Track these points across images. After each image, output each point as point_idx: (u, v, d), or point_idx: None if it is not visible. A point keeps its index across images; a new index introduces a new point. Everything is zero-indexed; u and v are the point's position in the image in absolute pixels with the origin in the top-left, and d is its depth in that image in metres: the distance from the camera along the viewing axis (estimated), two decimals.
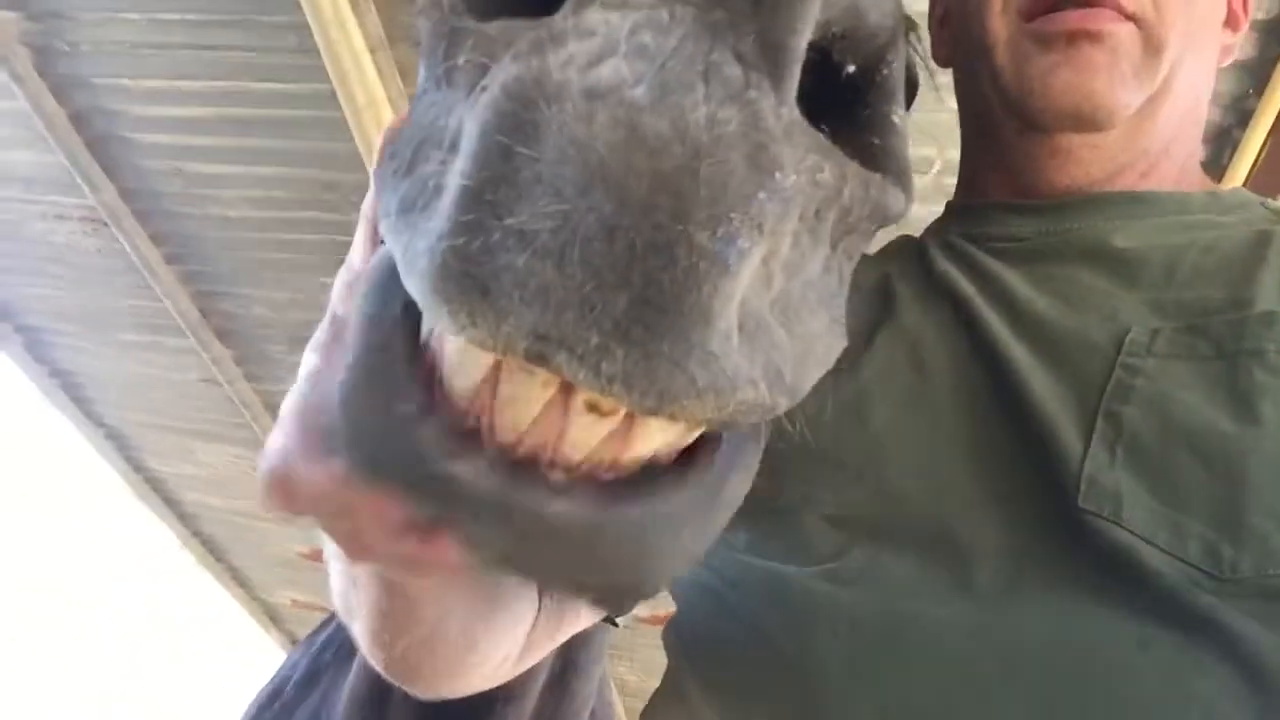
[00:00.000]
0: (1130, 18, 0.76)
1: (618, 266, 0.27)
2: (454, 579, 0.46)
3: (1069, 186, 0.81)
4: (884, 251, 0.92)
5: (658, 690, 0.80)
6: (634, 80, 0.27)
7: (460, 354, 0.32)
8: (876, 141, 0.36)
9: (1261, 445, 0.60)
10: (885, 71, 0.35)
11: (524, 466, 0.32)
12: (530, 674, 0.74)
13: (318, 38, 2.41)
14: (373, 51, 2.49)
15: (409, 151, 0.34)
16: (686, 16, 0.28)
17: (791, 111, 0.29)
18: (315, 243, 3.38)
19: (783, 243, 0.30)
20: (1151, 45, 0.76)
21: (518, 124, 0.28)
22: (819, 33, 0.31)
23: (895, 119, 0.36)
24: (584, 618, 0.53)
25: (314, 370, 0.39)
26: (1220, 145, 2.25)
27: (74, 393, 4.58)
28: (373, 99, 2.55)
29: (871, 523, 0.70)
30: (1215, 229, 0.76)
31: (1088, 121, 0.77)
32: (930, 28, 0.95)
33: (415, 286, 0.30)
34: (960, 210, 0.89)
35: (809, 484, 0.71)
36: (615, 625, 0.72)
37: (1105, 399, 0.66)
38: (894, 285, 0.83)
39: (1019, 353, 0.70)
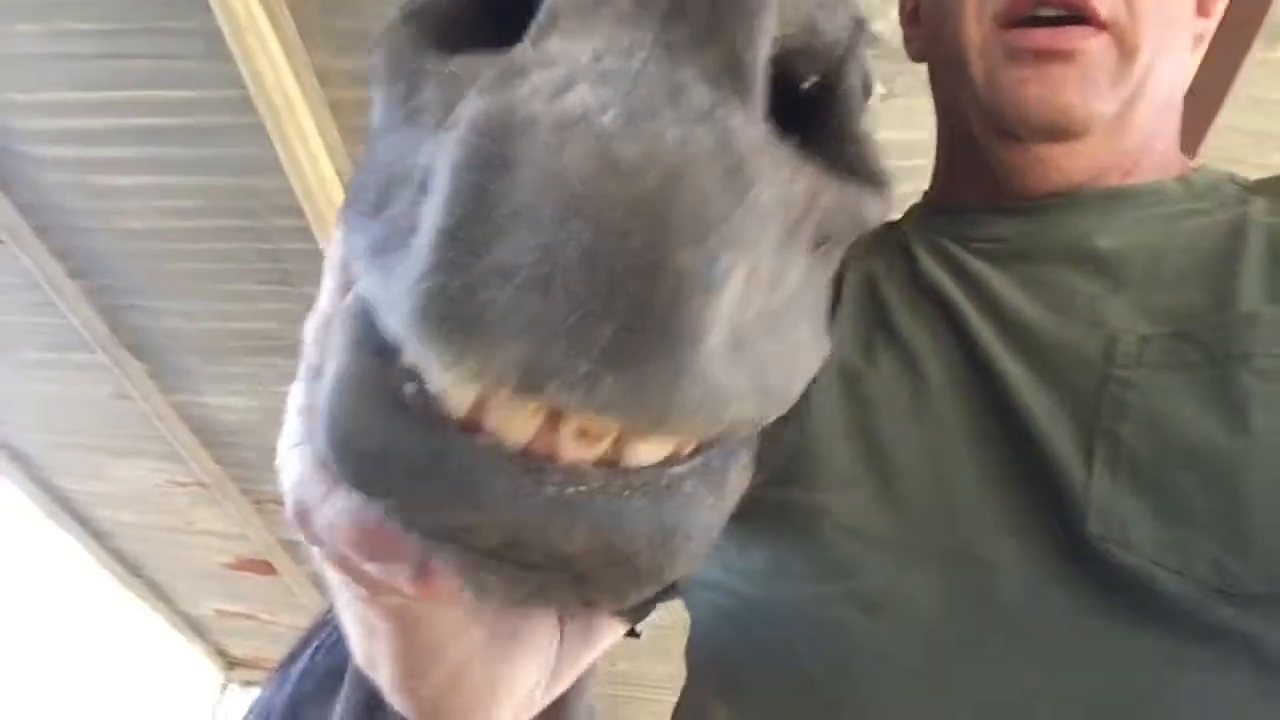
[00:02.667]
0: (1104, 27, 0.74)
1: (601, 294, 0.27)
2: (471, 614, 0.45)
3: (1050, 191, 0.80)
4: (865, 245, 0.89)
5: (679, 705, 0.80)
6: (601, 107, 0.27)
7: (448, 388, 0.31)
8: (847, 149, 0.36)
9: (1257, 457, 0.61)
10: (847, 81, 0.35)
11: (531, 463, 0.31)
12: None
13: (231, 43, 2.36)
14: (288, 55, 2.44)
15: (375, 193, 0.33)
16: (646, 39, 0.28)
17: (761, 127, 0.29)
18: (227, 251, 3.29)
19: (762, 257, 0.30)
20: (1125, 51, 0.75)
21: (489, 159, 0.27)
22: (778, 48, 0.30)
23: (862, 126, 0.36)
24: (608, 633, 0.52)
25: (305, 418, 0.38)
26: None
27: None
28: (290, 102, 2.50)
29: (890, 537, 0.70)
30: (1192, 218, 0.76)
31: (1063, 132, 0.76)
32: (901, 22, 0.93)
33: (397, 327, 0.30)
34: (940, 210, 0.88)
35: (827, 497, 0.72)
36: (636, 636, 0.74)
37: (1102, 416, 0.66)
38: (881, 289, 0.82)
39: (1013, 368, 0.71)
